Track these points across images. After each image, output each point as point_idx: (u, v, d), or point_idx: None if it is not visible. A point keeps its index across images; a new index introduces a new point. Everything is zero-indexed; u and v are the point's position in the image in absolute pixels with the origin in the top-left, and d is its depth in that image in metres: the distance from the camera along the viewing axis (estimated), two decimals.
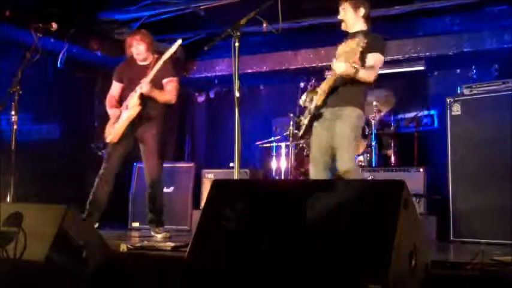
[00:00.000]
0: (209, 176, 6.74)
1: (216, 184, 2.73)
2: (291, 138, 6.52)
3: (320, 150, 4.37)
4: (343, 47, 4.25)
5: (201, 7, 6.35)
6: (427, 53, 6.74)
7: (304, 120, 4.43)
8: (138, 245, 4.02)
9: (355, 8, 4.34)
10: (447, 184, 5.35)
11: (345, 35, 4.41)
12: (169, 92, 5.16)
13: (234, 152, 3.72)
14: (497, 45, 6.40)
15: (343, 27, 4.43)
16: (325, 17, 6.80)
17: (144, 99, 5.02)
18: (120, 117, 5.10)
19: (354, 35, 4.26)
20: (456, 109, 5.41)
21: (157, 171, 5.21)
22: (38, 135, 6.71)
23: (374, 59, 4.22)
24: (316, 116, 4.35)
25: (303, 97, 4.48)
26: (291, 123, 6.53)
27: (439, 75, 7.39)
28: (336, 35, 7.19)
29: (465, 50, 6.60)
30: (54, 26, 4.88)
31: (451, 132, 5.39)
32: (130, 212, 6.76)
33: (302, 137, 4.54)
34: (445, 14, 6.56)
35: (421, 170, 5.79)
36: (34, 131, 6.72)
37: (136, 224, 6.67)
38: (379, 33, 4.46)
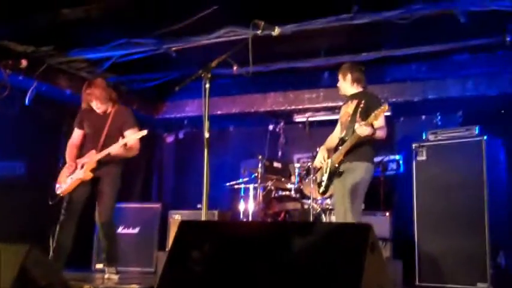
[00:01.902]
0: (176, 217, 6.67)
1: (183, 225, 2.71)
2: (259, 180, 6.52)
3: (338, 201, 4.72)
4: (344, 108, 4.90)
5: (172, 48, 6.39)
6: (394, 99, 6.85)
7: (323, 178, 4.81)
8: (102, 286, 3.94)
9: (343, 76, 4.93)
10: (413, 228, 5.40)
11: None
12: (130, 148, 5.19)
13: (203, 192, 3.70)
14: (461, 92, 6.55)
15: (341, 93, 5.05)
16: (295, 61, 6.91)
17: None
18: (74, 171, 5.10)
19: (351, 97, 4.85)
20: (421, 154, 5.52)
21: (110, 213, 5.17)
22: (3, 172, 6.58)
23: (382, 120, 4.61)
24: (335, 173, 4.72)
25: (318, 157, 4.96)
26: (260, 165, 6.54)
27: (405, 121, 7.51)
28: (305, 79, 7.38)
29: (430, 97, 6.73)
30: (24, 63, 4.86)
31: (416, 177, 5.48)
32: (94, 253, 6.63)
33: (323, 194, 4.87)
34: (412, 61, 6.72)
35: (387, 214, 5.84)
36: None
37: (100, 266, 6.52)
38: None
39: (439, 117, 7.23)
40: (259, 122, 8.10)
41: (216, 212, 6.55)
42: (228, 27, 5.85)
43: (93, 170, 5.05)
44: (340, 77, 4.97)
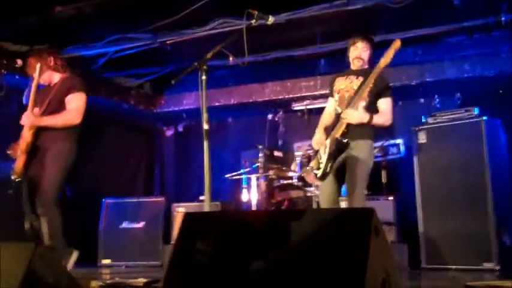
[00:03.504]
0: (179, 210, 6.69)
1: (187, 217, 2.71)
2: (260, 170, 6.53)
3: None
4: (345, 82, 4.50)
5: (167, 42, 6.38)
6: (391, 84, 6.82)
7: (322, 159, 4.39)
8: (110, 281, 3.96)
9: (372, 49, 4.56)
10: (416, 211, 5.41)
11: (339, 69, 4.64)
12: (68, 111, 4.63)
13: (205, 185, 3.71)
14: (459, 74, 6.54)
15: (358, 65, 4.53)
16: (291, 50, 6.90)
17: (37, 129, 4.58)
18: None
19: (357, 73, 4.48)
20: (422, 137, 5.52)
21: (52, 193, 4.55)
22: (2, 172, 6.58)
23: (386, 105, 4.43)
24: (337, 148, 4.34)
25: (315, 138, 4.53)
26: (260, 155, 6.55)
27: (404, 104, 7.50)
28: (302, 67, 7.37)
29: (428, 79, 6.73)
30: (19, 62, 4.86)
31: (418, 160, 5.50)
32: (100, 248, 6.65)
33: (323, 177, 4.38)
34: (407, 45, 6.71)
35: (390, 198, 5.85)
36: None
37: (107, 261, 6.56)
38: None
39: (437, 100, 7.23)
40: (258, 112, 8.11)
41: (219, 204, 6.56)
42: (222, 18, 5.84)
43: (30, 136, 4.55)
44: (369, 47, 4.56)
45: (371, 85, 4.27)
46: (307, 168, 4.67)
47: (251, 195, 6.83)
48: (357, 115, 4.23)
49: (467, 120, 5.34)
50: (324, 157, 4.37)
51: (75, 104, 4.63)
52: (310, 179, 5.01)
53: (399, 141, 7.31)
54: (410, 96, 7.32)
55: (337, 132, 4.30)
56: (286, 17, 5.55)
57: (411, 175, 5.55)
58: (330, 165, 4.31)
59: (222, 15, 5.82)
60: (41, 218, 4.53)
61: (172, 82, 4.25)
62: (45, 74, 4.76)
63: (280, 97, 7.59)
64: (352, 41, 4.55)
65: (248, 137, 8.12)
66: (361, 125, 4.31)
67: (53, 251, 4.33)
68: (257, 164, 6.61)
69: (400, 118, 7.47)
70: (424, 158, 5.48)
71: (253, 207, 6.69)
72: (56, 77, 4.79)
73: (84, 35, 6.35)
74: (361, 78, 4.39)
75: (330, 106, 4.68)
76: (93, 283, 3.58)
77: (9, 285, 2.72)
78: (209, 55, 3.84)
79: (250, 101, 7.77)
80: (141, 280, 3.80)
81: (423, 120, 5.66)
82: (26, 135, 4.56)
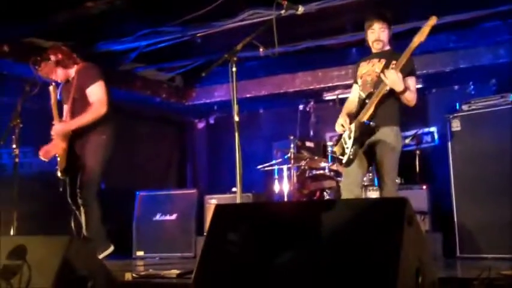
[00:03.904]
0: (212, 202, 6.72)
1: (219, 209, 2.73)
2: (292, 161, 6.52)
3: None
4: (367, 66, 4.33)
5: (198, 35, 6.40)
6: (424, 71, 6.76)
7: (347, 145, 4.18)
8: (143, 273, 4.00)
9: (390, 28, 4.34)
10: (451, 200, 5.34)
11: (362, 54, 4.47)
12: (92, 105, 4.65)
13: (236, 176, 3.72)
14: (494, 60, 6.44)
15: (378, 48, 4.34)
16: (321, 39, 6.85)
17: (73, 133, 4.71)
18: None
19: (378, 55, 4.31)
20: (456, 125, 5.43)
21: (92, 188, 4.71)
22: (39, 167, 6.70)
23: (413, 83, 4.19)
24: (364, 132, 4.13)
25: (338, 122, 4.33)
26: (292, 145, 6.53)
27: (437, 92, 7.42)
28: (333, 56, 7.31)
29: (462, 66, 6.63)
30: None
31: (452, 148, 5.41)
32: (134, 240, 6.74)
33: (349, 164, 4.14)
34: (440, 31, 6.60)
35: (424, 187, 5.78)
36: (35, 163, 6.72)
37: (140, 253, 6.64)
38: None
39: (472, 87, 7.13)
40: (289, 102, 8.09)
41: (250, 195, 6.58)
42: (252, 9, 5.82)
43: (62, 142, 4.69)
44: (387, 27, 4.31)
45: (404, 62, 4.04)
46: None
47: (283, 186, 6.83)
48: (396, 77, 3.98)
49: (502, 107, 5.23)
50: (349, 142, 4.16)
51: (96, 95, 4.69)
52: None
53: (433, 129, 7.23)
54: (444, 83, 7.23)
55: (364, 116, 4.12)
56: (316, 6, 5.50)
57: (445, 163, 5.47)
58: (355, 150, 4.10)
59: (251, 6, 5.81)
60: (80, 209, 4.68)
61: (203, 74, 4.26)
62: (58, 74, 4.86)
63: (311, 87, 7.56)
64: (368, 23, 4.33)
65: (279, 127, 8.12)
66: (389, 108, 4.16)
67: (88, 244, 4.40)
68: (288, 155, 6.59)
69: (434, 106, 7.41)
70: (458, 146, 5.39)
71: (285, 198, 6.69)
72: (71, 71, 4.86)
73: (115, 30, 6.41)
74: (383, 61, 4.23)
75: (354, 93, 4.53)
76: (128, 275, 3.62)
77: (45, 278, 2.77)
78: (239, 46, 3.82)
79: (281, 91, 7.77)
80: (174, 272, 3.83)
81: (457, 107, 5.57)
82: (61, 143, 4.73)
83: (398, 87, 4.01)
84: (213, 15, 5.91)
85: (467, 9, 5.94)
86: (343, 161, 4.19)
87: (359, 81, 4.41)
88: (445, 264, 4.95)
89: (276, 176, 7.04)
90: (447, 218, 5.42)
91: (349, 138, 4.16)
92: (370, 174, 6.27)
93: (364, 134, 4.11)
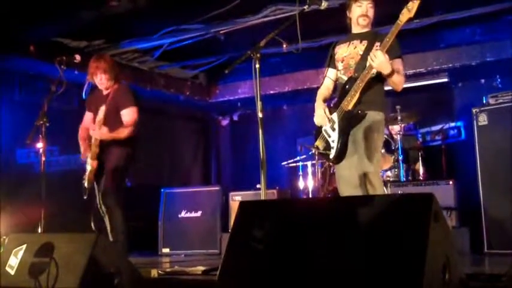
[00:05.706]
0: (236, 199, 6.72)
1: (243, 205, 2.73)
2: (317, 157, 6.49)
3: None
4: (347, 49, 4.08)
5: (221, 32, 6.41)
6: (450, 65, 6.69)
7: (332, 138, 3.89)
8: (169, 270, 4.02)
9: (375, 7, 4.05)
10: (478, 195, 5.27)
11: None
12: (126, 126, 4.85)
13: (260, 173, 3.71)
14: None
15: (363, 24, 4.05)
16: (344, 35, 6.79)
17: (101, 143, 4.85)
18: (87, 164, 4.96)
19: (359, 36, 4.07)
20: (482, 119, 5.35)
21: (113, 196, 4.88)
22: (66, 165, 6.78)
23: (400, 65, 3.91)
24: (350, 120, 3.85)
25: (317, 114, 4.08)
26: None
27: (464, 86, 7.33)
28: None
29: (488, 59, 6.55)
30: (78, 58, 4.97)
31: (478, 143, 5.33)
32: (160, 237, 6.78)
33: (338, 159, 3.84)
34: (465, 25, 6.52)
35: (451, 182, 5.71)
36: (62, 161, 6.81)
37: (166, 250, 6.67)
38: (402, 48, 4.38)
39: (498, 80, 7.03)
40: (313, 98, 8.04)
41: (275, 191, 6.56)
42: (274, 5, 5.81)
43: (96, 157, 4.85)
44: (374, 3, 4.00)
45: (390, 43, 3.72)
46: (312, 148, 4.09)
47: (307, 183, 6.81)
48: (384, 59, 3.66)
49: None
50: (334, 134, 3.87)
51: (130, 118, 4.85)
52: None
53: (459, 123, 7.14)
54: (470, 77, 7.15)
55: (350, 104, 3.82)
56: (339, 0, 5.46)
57: (472, 158, 5.40)
58: (343, 143, 3.80)
59: (274, 2, 5.79)
60: (104, 216, 4.84)
61: (226, 71, 4.24)
62: (103, 80, 4.95)
63: None
64: None
65: (304, 123, 8.06)
66: (375, 93, 3.89)
67: (114, 243, 4.49)
68: (313, 151, 6.56)
69: (460, 100, 7.33)
70: (485, 141, 5.31)
71: (310, 195, 6.67)
72: (110, 83, 4.97)
73: (139, 29, 6.46)
74: (365, 42, 3.94)
75: (328, 78, 4.26)
76: (153, 272, 3.64)
77: (72, 275, 2.80)
78: (262, 43, 3.80)
79: (305, 87, 7.73)
80: (200, 268, 3.84)
81: (484, 101, 5.49)
82: (95, 147, 4.85)
83: (386, 70, 3.72)
84: (236, 12, 5.91)
85: (492, 1, 5.85)
86: (331, 156, 3.88)
87: (339, 65, 4.11)
88: (473, 260, 4.89)
89: (300, 173, 7.03)
90: (474, 214, 5.35)
91: (333, 129, 3.89)
92: (396, 170, 6.22)
93: (351, 123, 3.84)
